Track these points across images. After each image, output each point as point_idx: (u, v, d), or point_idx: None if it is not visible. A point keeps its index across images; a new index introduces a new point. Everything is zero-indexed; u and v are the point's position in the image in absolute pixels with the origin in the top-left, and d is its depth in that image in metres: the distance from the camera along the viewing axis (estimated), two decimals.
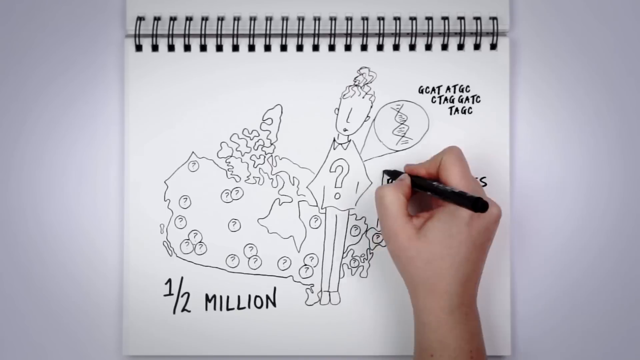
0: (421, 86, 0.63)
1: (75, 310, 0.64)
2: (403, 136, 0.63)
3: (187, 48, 0.63)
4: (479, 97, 0.63)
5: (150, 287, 0.63)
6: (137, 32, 0.63)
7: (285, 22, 0.63)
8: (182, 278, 0.63)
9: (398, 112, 0.63)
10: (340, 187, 0.63)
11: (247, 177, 0.63)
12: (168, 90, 0.63)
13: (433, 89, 0.63)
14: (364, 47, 0.63)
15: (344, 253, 0.63)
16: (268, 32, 0.63)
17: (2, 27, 0.65)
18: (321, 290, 0.63)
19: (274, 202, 0.63)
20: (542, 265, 0.64)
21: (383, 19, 0.63)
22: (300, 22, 0.63)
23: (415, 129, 0.63)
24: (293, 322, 0.63)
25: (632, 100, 0.64)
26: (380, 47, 0.63)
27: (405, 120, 0.63)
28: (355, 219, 0.63)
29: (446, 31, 0.62)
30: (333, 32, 0.63)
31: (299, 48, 0.63)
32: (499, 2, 0.63)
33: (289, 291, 0.63)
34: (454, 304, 0.54)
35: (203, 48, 0.63)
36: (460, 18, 0.63)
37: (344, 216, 0.63)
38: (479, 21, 0.63)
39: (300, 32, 0.63)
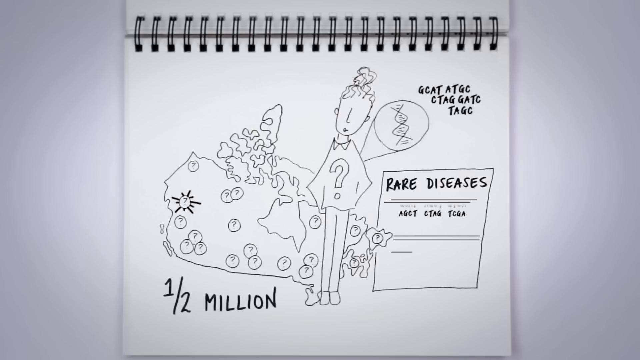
0: (421, 86, 0.63)
1: (75, 310, 0.64)
2: (403, 136, 0.63)
3: (187, 48, 0.63)
4: (479, 97, 0.63)
5: (150, 287, 0.63)
6: (137, 32, 0.63)
7: (285, 22, 0.63)
8: (182, 278, 0.63)
9: (398, 112, 0.63)
10: (340, 187, 0.63)
11: (247, 177, 0.63)
12: (168, 90, 0.63)
13: (433, 89, 0.63)
14: (364, 47, 0.63)
15: (344, 253, 0.63)
16: (268, 32, 0.63)
17: (2, 27, 0.65)
18: (321, 290, 0.63)
19: (274, 202, 0.63)
20: (542, 265, 0.64)
21: (383, 19, 0.63)
22: (300, 22, 0.63)
23: (415, 129, 0.63)
24: (293, 322, 0.63)
25: (633, 100, 0.64)
26: (380, 47, 0.63)
27: (405, 120, 0.63)
28: (355, 219, 0.63)
29: (446, 31, 0.62)
30: (333, 32, 0.63)
31: (299, 48, 0.63)
32: (499, 2, 0.63)
33: (289, 291, 0.63)
34: None
35: (203, 48, 0.63)
36: (460, 18, 0.63)
37: (344, 216, 0.63)
38: (478, 21, 0.63)
39: (300, 32, 0.63)
